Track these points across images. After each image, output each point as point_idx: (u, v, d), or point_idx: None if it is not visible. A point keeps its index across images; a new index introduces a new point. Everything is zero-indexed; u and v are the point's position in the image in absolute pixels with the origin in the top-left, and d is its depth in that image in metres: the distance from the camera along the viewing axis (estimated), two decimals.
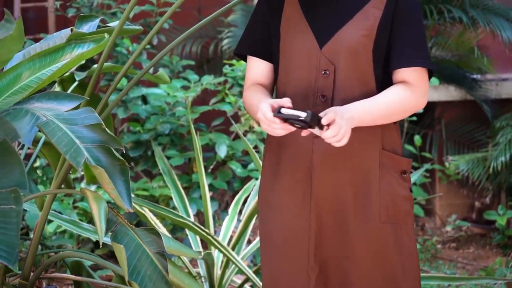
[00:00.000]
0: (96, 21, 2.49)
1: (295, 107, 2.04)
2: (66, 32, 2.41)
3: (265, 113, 2.05)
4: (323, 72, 2.13)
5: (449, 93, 5.62)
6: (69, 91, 2.70)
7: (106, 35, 2.29)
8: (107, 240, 2.29)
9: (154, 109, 4.47)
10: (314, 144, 2.14)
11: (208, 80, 4.52)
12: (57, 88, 2.79)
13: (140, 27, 2.65)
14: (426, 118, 5.67)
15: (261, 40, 2.26)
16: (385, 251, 2.16)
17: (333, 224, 2.16)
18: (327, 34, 2.14)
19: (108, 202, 2.23)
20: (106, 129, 2.02)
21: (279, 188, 2.22)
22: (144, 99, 4.54)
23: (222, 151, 4.33)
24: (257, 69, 2.28)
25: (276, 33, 2.22)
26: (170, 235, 3.43)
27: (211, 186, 4.33)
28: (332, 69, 2.13)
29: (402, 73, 2.15)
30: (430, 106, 5.58)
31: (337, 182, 2.15)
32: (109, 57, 4.54)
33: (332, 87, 2.13)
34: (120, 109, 4.45)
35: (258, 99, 2.18)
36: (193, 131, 3.66)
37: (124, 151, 2.07)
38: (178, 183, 3.72)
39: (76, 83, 2.76)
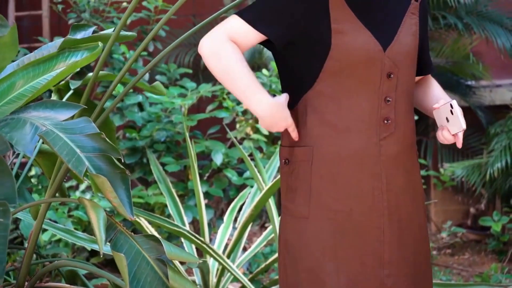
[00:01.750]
0: (90, 30, 2.48)
1: (355, 108, 2.07)
2: (61, 42, 2.40)
3: None
4: (388, 74, 2.10)
5: None
6: (64, 99, 2.69)
7: (100, 43, 2.28)
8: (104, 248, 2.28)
9: (150, 116, 4.46)
10: (382, 148, 2.11)
11: (206, 88, 4.52)
12: (54, 97, 2.79)
13: (134, 33, 2.64)
14: (420, 124, 5.67)
15: (295, 31, 2.07)
16: (428, 252, 2.25)
17: (403, 229, 2.14)
18: (387, 37, 2.11)
19: (104, 209, 2.22)
20: (106, 138, 2.02)
21: (343, 195, 2.11)
22: (140, 106, 4.53)
23: (218, 159, 4.33)
24: (251, 40, 2.09)
25: (323, 29, 2.06)
26: None
27: (206, 194, 4.33)
28: (397, 72, 2.11)
29: (427, 77, 2.33)
30: (425, 113, 5.57)
31: (405, 187, 2.15)
32: (105, 64, 4.54)
33: (395, 89, 2.12)
34: (116, 116, 4.44)
35: (248, 76, 2.05)
36: (188, 138, 3.66)
37: (122, 160, 2.07)
38: (173, 191, 3.72)
39: (71, 91, 2.76)
